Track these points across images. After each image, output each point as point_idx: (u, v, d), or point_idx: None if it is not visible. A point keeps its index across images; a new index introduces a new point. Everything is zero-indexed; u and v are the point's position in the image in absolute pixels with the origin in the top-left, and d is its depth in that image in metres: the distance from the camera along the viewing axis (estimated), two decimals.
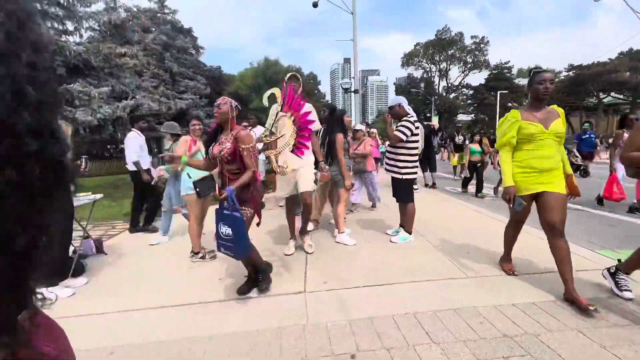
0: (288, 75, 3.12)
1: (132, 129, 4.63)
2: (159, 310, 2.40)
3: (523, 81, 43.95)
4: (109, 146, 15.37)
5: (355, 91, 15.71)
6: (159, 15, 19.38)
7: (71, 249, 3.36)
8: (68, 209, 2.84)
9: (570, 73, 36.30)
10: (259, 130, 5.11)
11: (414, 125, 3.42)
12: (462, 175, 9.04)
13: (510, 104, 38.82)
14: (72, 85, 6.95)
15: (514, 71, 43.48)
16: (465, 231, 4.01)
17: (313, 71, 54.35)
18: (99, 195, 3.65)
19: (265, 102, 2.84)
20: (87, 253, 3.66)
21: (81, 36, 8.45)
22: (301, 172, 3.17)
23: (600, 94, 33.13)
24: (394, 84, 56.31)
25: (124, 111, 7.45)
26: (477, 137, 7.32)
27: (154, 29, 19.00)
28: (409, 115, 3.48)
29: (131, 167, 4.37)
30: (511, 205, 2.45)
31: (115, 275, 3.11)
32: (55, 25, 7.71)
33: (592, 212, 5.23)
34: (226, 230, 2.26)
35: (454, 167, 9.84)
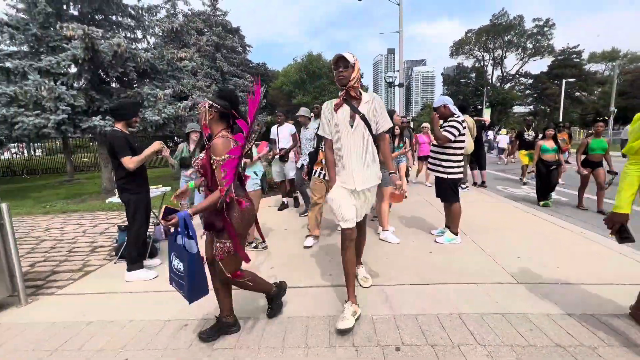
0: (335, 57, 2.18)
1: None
2: None
3: (595, 67, 38.91)
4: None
5: (400, 85, 15.31)
6: (211, 17, 20.60)
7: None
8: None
9: None
10: (285, 128, 5.30)
11: (461, 125, 3.36)
12: (524, 179, 8.36)
13: (578, 94, 34.69)
14: (142, 88, 7.85)
15: (585, 56, 38.58)
16: (515, 234, 3.84)
17: None
18: (167, 188, 4.15)
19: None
20: (158, 238, 4.21)
21: (148, 43, 9.43)
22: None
23: None
24: (442, 74, 53.26)
25: (184, 110, 8.20)
26: (549, 132, 5.81)
27: (206, 31, 20.30)
28: (455, 116, 3.42)
29: None
30: (615, 237, 1.96)
31: None
32: (128, 35, 8.71)
33: None
34: (177, 263, 1.83)
35: (523, 167, 8.43)
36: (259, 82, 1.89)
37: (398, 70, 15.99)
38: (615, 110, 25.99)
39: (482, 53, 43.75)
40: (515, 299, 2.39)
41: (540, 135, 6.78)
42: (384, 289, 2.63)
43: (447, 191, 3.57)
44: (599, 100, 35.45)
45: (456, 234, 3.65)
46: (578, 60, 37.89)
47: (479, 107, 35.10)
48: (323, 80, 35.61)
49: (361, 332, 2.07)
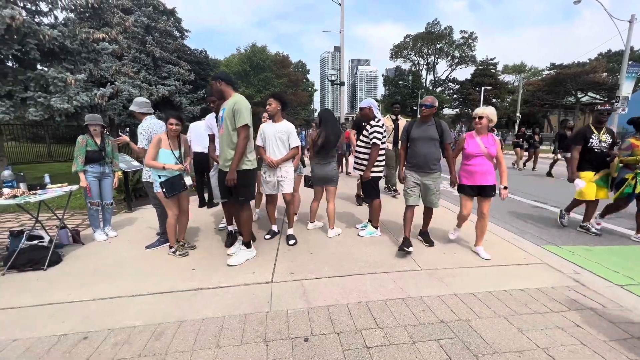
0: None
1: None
2: (133, 298, 2.56)
3: (507, 78, 45.00)
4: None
5: (341, 83, 15.78)
6: None
7: (47, 238, 3.45)
8: None
9: (552, 72, 37.35)
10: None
11: (382, 128, 3.67)
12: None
13: (494, 100, 39.76)
14: (46, 70, 6.77)
15: (499, 67, 44.35)
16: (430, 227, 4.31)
17: (302, 59, 53.48)
18: (74, 187, 3.70)
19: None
20: (63, 242, 3.74)
21: (56, 18, 8.12)
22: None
23: (579, 93, 34.40)
24: (383, 75, 56.34)
25: (102, 99, 7.30)
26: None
27: (135, 9, 18.29)
28: (376, 120, 3.71)
29: None
30: None
31: (92, 265, 3.22)
32: (29, 6, 7.38)
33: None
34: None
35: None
36: None
37: (339, 69, 16.45)
38: (520, 116, 30.69)
39: (418, 58, 47.37)
40: (417, 285, 2.71)
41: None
42: (303, 283, 2.75)
43: (369, 189, 3.85)
44: (509, 106, 41.12)
45: (377, 227, 3.97)
46: (494, 70, 43.40)
47: (415, 108, 38.07)
48: (267, 73, 34.80)
49: (274, 327, 2.14)
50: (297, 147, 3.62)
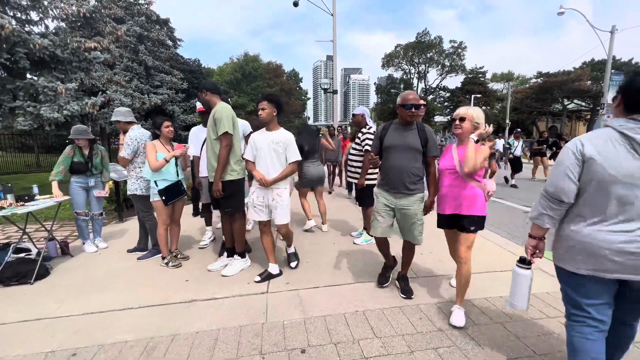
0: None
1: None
2: (125, 311, 2.49)
3: (496, 86, 46.06)
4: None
5: (334, 91, 15.94)
6: (133, 6, 18.67)
7: (34, 251, 3.35)
8: None
9: (539, 80, 38.38)
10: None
11: (374, 135, 3.70)
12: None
13: (484, 107, 40.57)
14: (36, 79, 6.69)
15: (488, 76, 45.40)
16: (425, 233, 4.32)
17: (295, 68, 53.95)
18: (64, 198, 3.62)
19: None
20: (51, 255, 3.64)
21: (47, 27, 8.07)
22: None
23: (565, 100, 35.34)
24: (375, 83, 57.12)
25: (93, 108, 7.22)
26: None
27: (128, 19, 18.31)
28: (367, 127, 3.75)
29: None
30: None
31: (81, 277, 3.14)
32: (19, 15, 7.33)
33: None
34: None
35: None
36: None
37: (332, 78, 16.62)
38: (510, 123, 31.34)
39: (409, 67, 48.19)
40: (414, 292, 2.69)
41: None
42: (299, 293, 2.72)
43: (364, 196, 3.85)
44: (499, 114, 41.95)
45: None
46: (483, 79, 44.38)
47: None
48: (259, 82, 34.99)
49: (270, 339, 2.10)
50: (296, 162, 2.96)
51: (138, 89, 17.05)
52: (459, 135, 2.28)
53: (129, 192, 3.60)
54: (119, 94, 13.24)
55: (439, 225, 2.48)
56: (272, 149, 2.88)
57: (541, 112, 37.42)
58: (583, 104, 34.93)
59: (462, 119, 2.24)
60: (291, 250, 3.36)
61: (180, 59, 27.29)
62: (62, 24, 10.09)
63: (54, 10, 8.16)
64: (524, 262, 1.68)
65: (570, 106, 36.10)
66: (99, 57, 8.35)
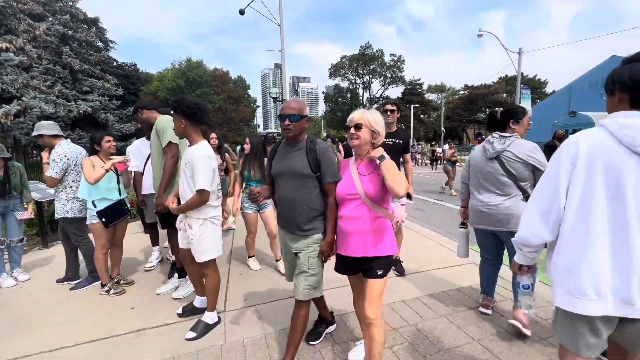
0: None
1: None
2: (59, 352, 2.21)
3: (432, 96, 50.69)
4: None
5: (283, 100, 16.03)
6: (54, 3, 16.69)
7: None
8: None
9: (466, 92, 43.33)
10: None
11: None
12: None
13: (422, 116, 44.24)
14: None
15: (425, 87, 49.80)
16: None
17: (243, 75, 52.97)
18: None
19: None
20: None
21: None
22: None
23: (487, 110, 40.47)
24: (323, 92, 58.75)
25: (6, 117, 6.25)
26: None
27: (48, 17, 16.28)
28: None
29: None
30: None
31: (13, 315, 2.69)
32: None
33: None
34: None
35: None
36: None
37: (281, 87, 16.73)
38: (445, 130, 34.78)
39: (354, 77, 50.64)
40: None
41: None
42: (258, 308, 2.70)
43: None
44: (435, 122, 46.24)
45: None
46: (420, 90, 48.56)
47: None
48: (205, 89, 33.58)
49: (230, 359, 2.06)
50: (202, 191, 2.15)
51: (63, 95, 15.18)
52: (356, 147, 1.76)
53: (57, 216, 3.17)
54: (39, 100, 11.61)
55: (338, 270, 1.93)
56: (183, 170, 2.28)
57: (469, 120, 42.19)
58: None
59: (357, 127, 1.72)
60: (209, 318, 2.40)
61: (114, 63, 25.05)
62: None
63: None
64: (462, 224, 2.70)
65: None
66: (11, 59, 7.28)
